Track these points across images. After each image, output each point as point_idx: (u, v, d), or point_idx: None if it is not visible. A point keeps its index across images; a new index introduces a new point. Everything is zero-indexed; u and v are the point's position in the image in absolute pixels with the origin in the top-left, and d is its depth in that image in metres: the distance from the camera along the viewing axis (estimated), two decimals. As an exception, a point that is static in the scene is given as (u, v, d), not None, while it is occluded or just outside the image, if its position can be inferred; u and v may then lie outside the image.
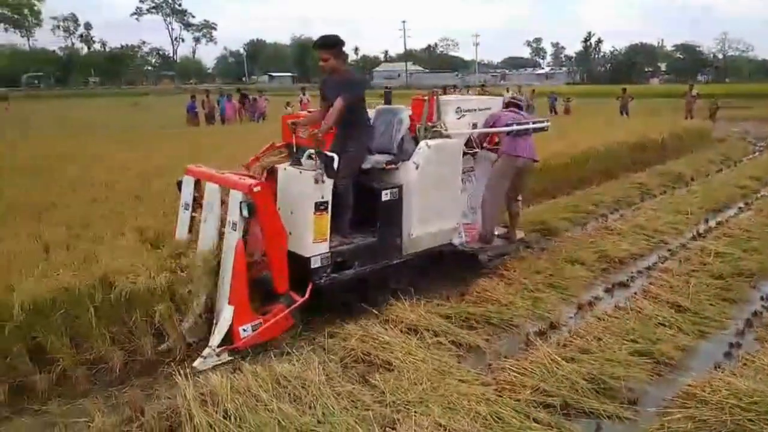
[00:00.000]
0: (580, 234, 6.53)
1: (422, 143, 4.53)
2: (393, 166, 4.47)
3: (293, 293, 3.88)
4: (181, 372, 3.08)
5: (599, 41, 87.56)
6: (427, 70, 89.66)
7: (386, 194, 4.33)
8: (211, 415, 2.83)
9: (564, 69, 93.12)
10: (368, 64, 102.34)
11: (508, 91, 25.10)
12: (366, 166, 4.35)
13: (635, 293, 4.67)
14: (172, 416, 2.93)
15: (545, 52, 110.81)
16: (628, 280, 5.07)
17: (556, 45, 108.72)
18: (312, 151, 3.88)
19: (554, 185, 8.65)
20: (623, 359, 3.52)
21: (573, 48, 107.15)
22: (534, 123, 5.31)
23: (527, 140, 5.15)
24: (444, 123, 4.85)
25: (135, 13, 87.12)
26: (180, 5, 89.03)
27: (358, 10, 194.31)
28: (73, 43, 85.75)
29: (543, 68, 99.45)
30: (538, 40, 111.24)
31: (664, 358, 3.61)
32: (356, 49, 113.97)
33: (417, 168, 4.43)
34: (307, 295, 3.89)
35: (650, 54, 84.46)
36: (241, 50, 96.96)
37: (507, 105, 5.44)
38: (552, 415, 3.00)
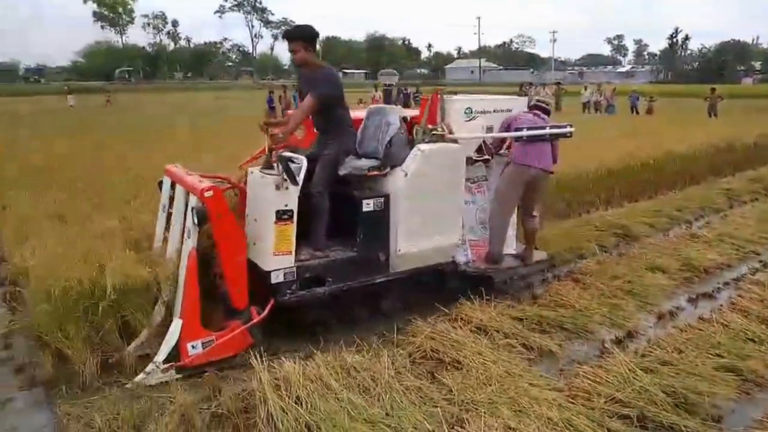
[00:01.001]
0: (661, 240, 6.23)
1: (414, 148, 4.06)
2: (377, 172, 4.03)
3: (256, 309, 3.60)
4: (257, 356, 3.19)
5: (686, 38, 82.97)
6: (501, 67, 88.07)
7: (368, 204, 3.90)
8: (284, 399, 2.92)
9: (647, 67, 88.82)
10: (441, 61, 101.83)
11: (586, 89, 24.34)
12: (342, 171, 3.95)
13: (722, 305, 4.40)
14: (247, 398, 3.05)
15: (627, 50, 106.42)
16: (713, 291, 4.79)
17: (638, 42, 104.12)
18: (285, 154, 3.61)
19: (635, 188, 8.30)
20: (707, 374, 3.32)
21: (657, 45, 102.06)
22: (552, 128, 4.62)
23: (541, 148, 4.50)
24: (448, 125, 4.33)
25: (218, 11, 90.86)
26: (260, 3, 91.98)
27: (431, 6, 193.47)
28: (161, 40, 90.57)
29: (624, 66, 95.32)
30: (619, 37, 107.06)
31: (753, 375, 3.38)
32: (429, 46, 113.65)
33: (406, 176, 3.97)
34: (264, 313, 3.59)
35: (743, 52, 79.09)
36: (317, 46, 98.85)
37: (531, 108, 4.81)
38: (628, 427, 2.89)
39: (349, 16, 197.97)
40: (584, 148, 9.38)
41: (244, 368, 3.35)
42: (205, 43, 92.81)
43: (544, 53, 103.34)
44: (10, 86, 54.27)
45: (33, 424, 2.94)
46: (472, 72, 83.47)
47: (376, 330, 4.00)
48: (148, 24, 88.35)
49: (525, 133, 4.45)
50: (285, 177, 3.46)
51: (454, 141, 4.25)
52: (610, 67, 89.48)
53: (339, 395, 3.00)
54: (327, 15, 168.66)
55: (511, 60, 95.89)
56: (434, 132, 4.26)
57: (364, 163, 4.07)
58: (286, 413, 2.84)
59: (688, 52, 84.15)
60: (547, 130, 4.56)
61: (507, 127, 4.56)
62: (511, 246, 4.80)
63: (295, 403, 2.91)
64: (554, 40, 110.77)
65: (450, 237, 4.27)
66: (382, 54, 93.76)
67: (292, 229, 3.60)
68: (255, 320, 3.56)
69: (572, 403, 3.04)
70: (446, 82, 70.48)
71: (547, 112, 4.78)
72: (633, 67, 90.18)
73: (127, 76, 71.63)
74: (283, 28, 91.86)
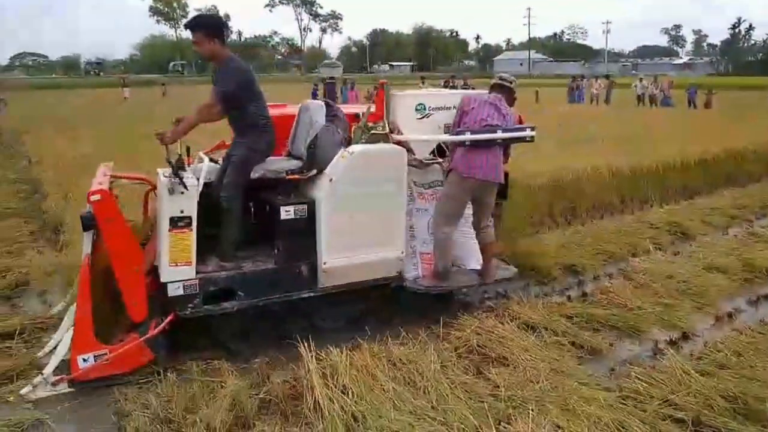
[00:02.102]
0: (720, 239, 5.97)
1: (341, 150, 3.64)
2: (297, 176, 3.66)
3: (157, 322, 3.29)
4: (305, 344, 3.24)
5: (750, 28, 78.92)
6: (551, 59, 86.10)
7: (288, 211, 3.50)
8: (330, 388, 2.96)
9: (706, 59, 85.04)
10: (489, 53, 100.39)
11: (641, 81, 23.52)
12: (255, 174, 3.60)
13: (786, 309, 4.19)
14: (295, 385, 3.11)
15: (685, 41, 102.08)
16: (777, 293, 4.56)
17: (698, 33, 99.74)
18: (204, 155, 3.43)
19: (692, 185, 7.99)
20: (769, 379, 3.18)
21: (718, 36, 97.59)
22: (507, 130, 3.83)
23: (488, 154, 3.78)
24: (394, 123, 3.86)
25: (269, 5, 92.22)
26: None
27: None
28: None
29: (681, 58, 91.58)
30: (677, 27, 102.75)
31: (819, 383, 3.21)
32: (477, 38, 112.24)
33: (331, 181, 3.55)
34: (161, 327, 3.26)
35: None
36: (364, 40, 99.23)
37: (492, 88, 4.06)
38: (682, 431, 2.79)
39: (396, 8, 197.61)
40: (636, 142, 9.11)
41: (291, 355, 3.40)
42: (255, 37, 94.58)
43: (596, 45, 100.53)
44: (72, 79, 56.77)
45: (93, 404, 3.08)
46: (521, 64, 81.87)
47: (421, 323, 4.00)
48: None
49: (468, 137, 3.75)
50: (177, 180, 3.17)
51: (398, 143, 3.79)
52: (666, 59, 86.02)
53: (385, 386, 3.02)
54: (375, 7, 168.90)
55: (561, 52, 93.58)
56: (374, 132, 3.81)
57: (283, 165, 3.70)
58: (333, 402, 2.87)
59: (752, 42, 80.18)
60: (499, 134, 3.79)
61: (459, 117, 3.94)
62: (476, 261, 4.19)
63: (342, 392, 2.95)
64: (607, 31, 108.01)
65: (391, 250, 3.80)
66: (429, 46, 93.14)
67: (190, 237, 3.27)
68: (150, 334, 3.22)
69: (624, 404, 2.96)
70: (494, 74, 69.48)
71: (509, 94, 4.03)
72: (691, 59, 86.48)
73: (180, 69, 73.73)
74: (331, 20, 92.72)
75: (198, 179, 3.36)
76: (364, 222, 3.64)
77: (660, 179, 7.69)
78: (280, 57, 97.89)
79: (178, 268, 3.28)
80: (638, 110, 19.45)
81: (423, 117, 3.96)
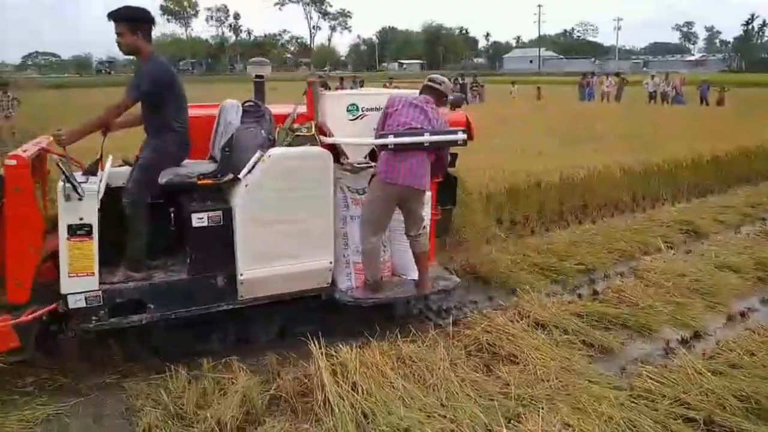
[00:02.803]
0: (732, 238, 5.92)
1: (257, 154, 3.33)
2: (209, 181, 3.39)
3: (33, 310, 3.03)
4: (315, 341, 3.25)
5: (764, 24, 77.99)
6: (562, 57, 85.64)
7: (200, 218, 3.27)
8: (340, 385, 2.96)
9: (719, 56, 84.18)
10: (499, 50, 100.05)
11: (652, 78, 23.32)
12: (162, 179, 3.34)
13: (800, 308, 4.15)
14: (305, 382, 3.11)
15: (697, 37, 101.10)
16: (791, 292, 4.52)
17: (710, 29, 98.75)
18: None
19: (705, 183, 7.92)
20: (783, 380, 3.15)
21: (731, 33, 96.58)
22: (434, 133, 3.54)
23: (414, 159, 3.52)
24: (324, 125, 3.64)
25: (278, 3, 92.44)
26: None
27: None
28: (223, 32, 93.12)
29: (693, 54, 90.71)
30: (689, 24, 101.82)
31: (834, 383, 3.17)
32: (487, 35, 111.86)
33: (246, 187, 3.31)
34: (32, 316, 3.00)
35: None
36: (374, 38, 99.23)
37: (422, 90, 3.78)
38: (694, 430, 2.78)
39: (406, 6, 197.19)
40: (647, 140, 9.05)
41: (301, 352, 3.41)
42: (265, 36, 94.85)
43: (607, 42, 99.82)
44: (84, 78, 57.19)
45: (105, 399, 3.12)
46: (531, 61, 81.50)
47: (430, 320, 4.02)
48: (211, 17, 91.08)
49: (391, 140, 3.48)
50: (70, 186, 2.96)
51: (327, 145, 3.56)
52: (678, 56, 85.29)
53: (394, 383, 3.02)
54: (384, 6, 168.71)
55: (572, 49, 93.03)
56: (298, 133, 3.57)
57: (197, 168, 3.46)
58: (343, 399, 2.88)
59: (765, 39, 79.22)
60: (425, 137, 3.50)
61: (383, 118, 3.65)
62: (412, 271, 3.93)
63: (352, 389, 2.95)
64: (618, 28, 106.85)
65: (319, 260, 3.56)
66: (438, 44, 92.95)
67: (91, 246, 3.06)
68: (19, 320, 2.97)
69: (635, 403, 2.94)
70: (503, 71, 69.22)
71: (439, 96, 3.75)
72: (703, 56, 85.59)
73: (190, 68, 74.12)
74: (341, 18, 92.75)
75: (99, 184, 3.13)
76: (285, 230, 3.40)
77: (672, 177, 7.64)
78: (289, 56, 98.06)
79: (79, 278, 3.06)
80: (650, 108, 19.29)
81: (356, 118, 3.67)
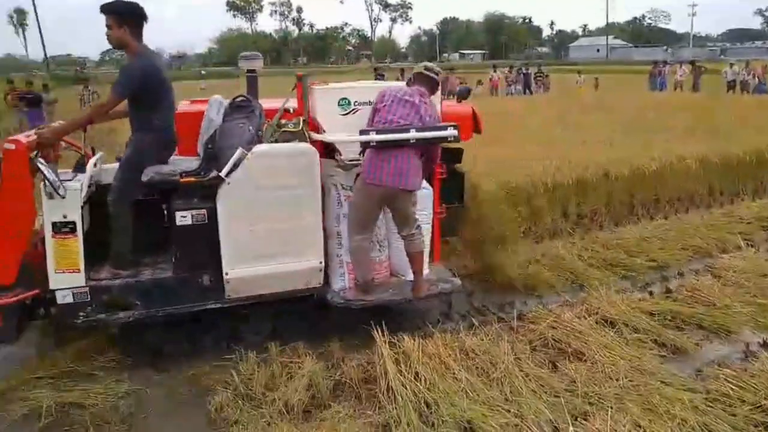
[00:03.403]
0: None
1: (238, 151, 3.20)
2: (191, 178, 3.28)
3: (18, 293, 3.10)
4: (378, 330, 3.28)
5: None
6: (631, 45, 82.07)
7: (184, 216, 3.23)
8: (403, 374, 2.99)
9: (806, 41, 78.20)
10: (564, 39, 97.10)
11: (731, 67, 21.99)
12: (144, 177, 3.29)
13: None
14: (368, 369, 3.16)
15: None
16: None
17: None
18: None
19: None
20: None
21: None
22: (422, 129, 3.32)
23: (400, 157, 3.31)
24: (315, 120, 3.52)
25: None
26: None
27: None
28: (286, 26, 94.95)
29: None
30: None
31: None
32: (552, 24, 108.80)
33: (229, 185, 3.22)
34: (15, 299, 3.08)
35: None
36: (434, 28, 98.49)
37: (412, 81, 3.55)
38: (777, 439, 2.63)
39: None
40: (725, 130, 8.54)
41: (363, 339, 3.46)
42: (327, 29, 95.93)
43: (680, 29, 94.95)
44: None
45: (178, 380, 3.28)
46: (597, 50, 78.51)
47: (494, 314, 3.98)
48: (275, 11, 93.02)
49: (373, 137, 3.27)
50: (49, 185, 2.98)
51: (315, 141, 3.44)
52: (759, 42, 79.88)
53: (457, 375, 3.02)
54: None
55: (642, 37, 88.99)
56: (285, 129, 3.45)
57: (182, 166, 3.39)
58: (405, 387, 2.90)
59: None
60: (411, 134, 3.28)
61: (372, 114, 3.48)
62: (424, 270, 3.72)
63: (414, 378, 2.97)
64: (693, 14, 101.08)
65: (307, 259, 3.45)
66: (501, 34, 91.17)
67: (76, 243, 3.09)
68: (4, 301, 3.06)
69: (711, 407, 2.80)
70: (569, 61, 67.12)
71: (435, 87, 3.55)
72: (790, 42, 79.84)
73: (254, 61, 75.88)
74: (401, 10, 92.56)
75: (82, 182, 3.17)
76: (271, 230, 3.31)
77: (753, 171, 7.17)
78: (350, 48, 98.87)
79: (65, 275, 3.12)
80: (729, 97, 18.21)
81: (348, 113, 3.54)
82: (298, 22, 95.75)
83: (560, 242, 5.25)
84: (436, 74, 3.54)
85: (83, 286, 3.16)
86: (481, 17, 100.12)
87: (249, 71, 3.88)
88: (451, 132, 3.37)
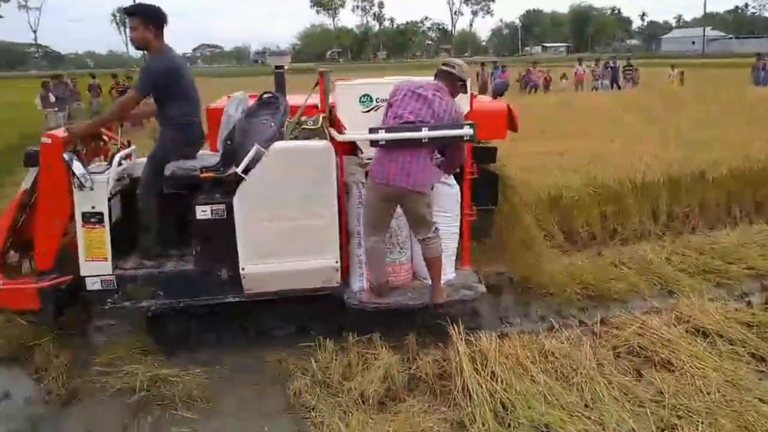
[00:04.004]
0: None
1: (254, 148, 3.20)
2: (211, 174, 3.33)
3: (54, 278, 3.30)
4: (455, 326, 3.27)
5: None
6: (731, 36, 76.40)
7: (204, 211, 3.28)
8: (479, 373, 2.96)
9: None
10: (656, 31, 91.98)
11: None
12: (166, 172, 3.41)
13: None
14: (444, 366, 3.15)
15: None
16: None
17: None
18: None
19: None
20: None
21: None
22: (434, 128, 3.15)
23: (410, 156, 3.16)
24: (333, 118, 3.44)
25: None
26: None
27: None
28: (367, 21, 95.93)
29: None
30: None
31: None
32: (642, 15, 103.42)
33: (246, 181, 3.23)
34: (53, 282, 3.29)
35: None
36: (517, 21, 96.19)
37: (436, 75, 3.40)
38: None
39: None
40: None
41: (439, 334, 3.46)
42: (407, 23, 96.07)
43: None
44: (242, 68, 62.27)
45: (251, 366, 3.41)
46: (693, 42, 73.68)
47: (574, 317, 3.86)
48: (357, 6, 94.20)
49: (382, 136, 3.14)
50: (74, 176, 3.14)
51: (330, 140, 3.37)
52: None
53: (535, 378, 2.96)
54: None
55: (744, 28, 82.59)
56: (304, 126, 3.40)
57: (203, 162, 3.44)
58: (481, 386, 2.87)
59: None
60: (424, 133, 3.13)
61: (386, 109, 3.34)
62: (445, 275, 3.60)
63: (491, 378, 2.93)
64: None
65: (324, 258, 3.39)
66: (587, 26, 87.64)
67: (104, 233, 3.25)
68: (42, 284, 3.27)
69: (816, 429, 2.59)
70: (660, 54, 63.51)
71: (455, 82, 3.33)
72: None
73: (336, 56, 77.42)
74: (483, 3, 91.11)
75: (109, 175, 3.32)
76: (286, 227, 3.30)
77: None
78: (430, 42, 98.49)
79: (94, 263, 3.28)
80: None
81: (369, 110, 3.45)
82: (378, 17, 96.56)
83: (648, 245, 5.00)
84: (453, 68, 3.33)
85: (110, 275, 3.32)
86: (567, 9, 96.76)
87: (277, 67, 3.85)
88: (466, 131, 3.20)
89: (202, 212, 3.29)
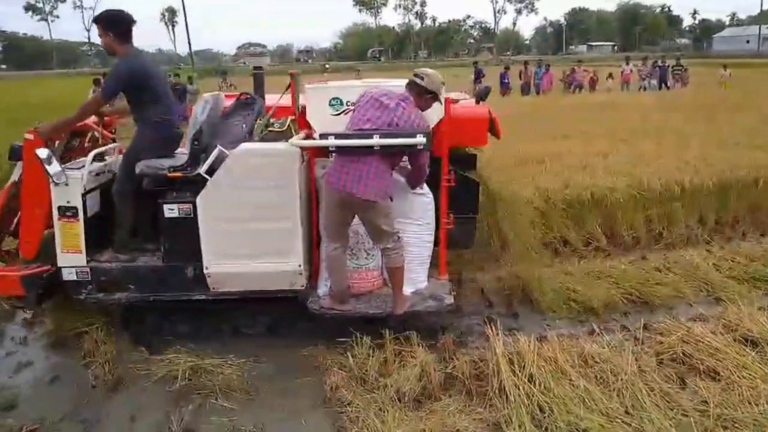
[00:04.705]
0: None
1: (216, 150, 3.26)
2: (178, 173, 3.37)
3: (36, 266, 3.43)
4: (492, 327, 3.25)
5: None
6: (790, 35, 72.93)
7: (171, 209, 3.34)
8: (517, 375, 2.93)
9: None
10: (708, 29, 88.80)
11: None
12: (137, 170, 3.45)
13: None
14: (480, 366, 3.13)
15: None
16: None
17: None
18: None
19: None
20: None
21: None
22: (386, 136, 3.05)
23: (358, 162, 3.09)
24: (302, 121, 3.39)
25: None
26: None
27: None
28: (409, 20, 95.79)
29: None
30: None
31: None
32: (694, 13, 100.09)
33: (208, 182, 3.25)
34: (35, 271, 3.40)
35: None
36: (561, 19, 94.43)
37: (407, 85, 3.29)
38: None
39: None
40: None
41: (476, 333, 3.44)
42: (449, 21, 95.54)
43: None
44: (284, 66, 63.15)
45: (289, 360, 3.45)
46: (747, 41, 70.78)
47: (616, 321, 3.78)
48: (399, 5, 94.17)
49: (331, 142, 3.10)
50: (48, 172, 3.21)
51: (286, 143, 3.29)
52: None
53: (574, 382, 2.91)
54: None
55: (804, 25, 78.75)
56: (271, 129, 3.35)
57: (172, 161, 3.48)
58: (519, 388, 2.85)
59: None
60: (375, 140, 3.04)
61: (351, 113, 3.30)
62: (413, 284, 3.54)
63: (528, 380, 2.90)
64: None
65: (287, 262, 3.36)
66: (635, 24, 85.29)
67: (77, 227, 3.37)
68: (24, 272, 3.40)
69: None
70: (712, 53, 61.27)
71: (421, 92, 3.20)
72: None
73: (377, 55, 77.66)
74: (527, 1, 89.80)
75: (84, 172, 3.41)
76: (249, 229, 3.31)
77: None
78: (472, 41, 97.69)
79: (69, 254, 3.41)
80: None
81: (339, 113, 3.39)
82: (420, 16, 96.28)
83: (695, 250, 4.84)
84: (422, 79, 3.19)
85: (84, 266, 3.44)
86: (614, 7, 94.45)
87: (255, 68, 3.84)
88: (419, 140, 3.07)
89: (170, 210, 3.36)
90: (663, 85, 19.83)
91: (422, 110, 3.22)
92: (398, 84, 3.40)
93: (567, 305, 4.02)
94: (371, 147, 3.07)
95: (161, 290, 3.47)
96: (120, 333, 3.70)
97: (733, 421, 2.67)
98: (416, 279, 3.56)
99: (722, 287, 4.20)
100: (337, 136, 3.14)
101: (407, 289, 3.49)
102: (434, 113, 3.34)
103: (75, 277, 3.45)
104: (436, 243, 3.65)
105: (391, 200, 3.28)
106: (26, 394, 3.23)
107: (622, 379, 2.92)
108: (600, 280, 4.29)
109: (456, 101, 3.55)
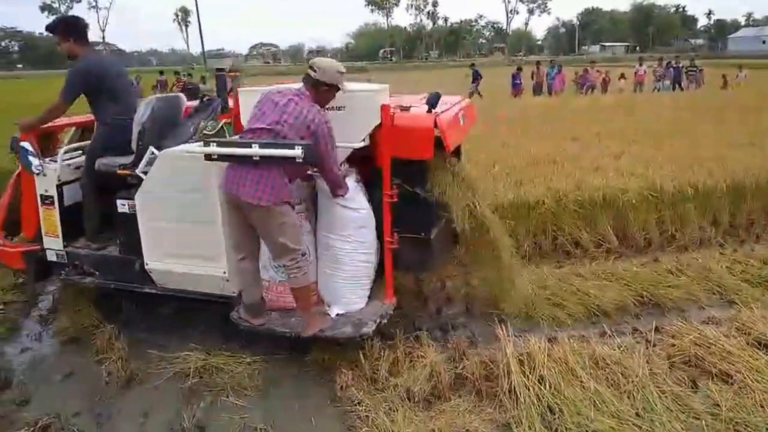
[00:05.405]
0: None
1: (149, 150, 3.36)
2: (126, 171, 3.48)
3: (35, 245, 3.89)
4: (502, 327, 3.24)
5: None
6: (807, 35, 72.07)
7: (123, 205, 3.52)
8: (527, 376, 2.92)
9: None
10: (724, 29, 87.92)
11: None
12: (96, 166, 3.67)
13: None
14: (490, 366, 3.12)
15: None
16: None
17: None
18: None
19: None
20: None
21: None
22: (265, 145, 2.85)
23: (244, 166, 2.92)
24: (240, 124, 3.27)
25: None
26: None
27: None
28: (421, 20, 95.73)
29: None
30: None
31: None
32: (709, 13, 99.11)
33: (144, 183, 3.36)
34: (33, 248, 3.87)
35: None
36: (574, 19, 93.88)
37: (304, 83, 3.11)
38: None
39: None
40: None
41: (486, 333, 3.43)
42: (461, 22, 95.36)
43: None
44: (295, 66, 63.32)
45: (299, 358, 3.45)
46: (763, 42, 69.99)
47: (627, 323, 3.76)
48: (411, 5, 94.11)
49: (213, 150, 2.97)
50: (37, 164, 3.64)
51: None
52: None
53: (585, 384, 2.90)
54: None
55: (822, 25, 77.79)
56: (205, 132, 3.28)
57: (122, 159, 3.59)
58: (529, 389, 2.84)
59: None
60: (253, 150, 2.86)
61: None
62: (344, 305, 3.37)
63: (538, 381, 2.90)
64: None
65: (214, 267, 3.34)
66: (649, 24, 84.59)
67: (54, 214, 3.74)
68: (24, 249, 3.90)
69: None
70: (726, 54, 60.58)
71: (315, 86, 3.02)
72: None
73: (389, 55, 77.66)
74: (540, 1, 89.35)
75: (58, 165, 3.73)
76: (178, 230, 3.35)
77: None
78: (483, 41, 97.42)
79: (50, 238, 3.83)
80: None
81: None
82: (432, 16, 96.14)
83: (708, 253, 4.80)
84: (315, 71, 3.01)
85: (62, 250, 3.83)
86: (627, 7, 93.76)
87: (218, 70, 3.77)
88: (296, 152, 2.81)
89: (122, 205, 3.56)
90: (677, 86, 19.66)
91: (321, 105, 3.04)
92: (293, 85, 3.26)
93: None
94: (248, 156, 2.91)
95: (119, 280, 3.70)
96: (132, 331, 3.74)
97: (745, 424, 2.65)
98: (348, 300, 3.36)
99: (735, 290, 4.15)
100: (219, 143, 3.01)
101: (335, 310, 3.35)
102: (369, 115, 3.13)
103: (55, 259, 3.86)
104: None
105: (293, 208, 3.08)
106: (41, 389, 3.28)
107: (633, 382, 2.91)
108: (612, 282, 4.26)
109: (408, 108, 3.27)
